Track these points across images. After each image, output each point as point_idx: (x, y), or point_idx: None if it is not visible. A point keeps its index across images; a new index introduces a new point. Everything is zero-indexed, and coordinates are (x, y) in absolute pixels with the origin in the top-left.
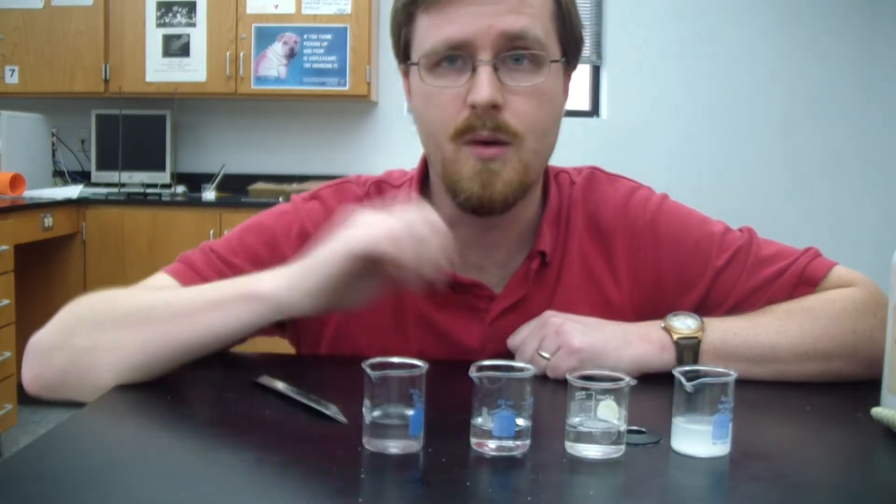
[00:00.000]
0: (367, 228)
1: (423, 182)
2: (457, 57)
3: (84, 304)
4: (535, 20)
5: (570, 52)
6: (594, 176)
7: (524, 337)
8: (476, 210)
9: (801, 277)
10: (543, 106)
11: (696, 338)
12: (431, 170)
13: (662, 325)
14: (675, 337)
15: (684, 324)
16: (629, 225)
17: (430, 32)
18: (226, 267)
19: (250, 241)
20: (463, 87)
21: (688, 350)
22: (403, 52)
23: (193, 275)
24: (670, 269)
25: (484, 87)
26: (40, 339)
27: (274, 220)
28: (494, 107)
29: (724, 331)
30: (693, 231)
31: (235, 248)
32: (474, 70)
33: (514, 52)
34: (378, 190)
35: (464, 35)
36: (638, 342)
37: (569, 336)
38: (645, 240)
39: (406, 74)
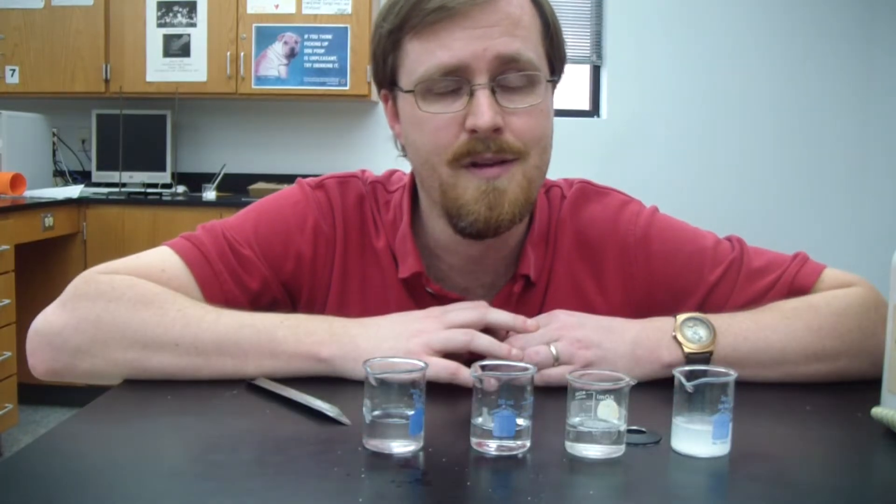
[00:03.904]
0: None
1: (412, 201)
2: (451, 82)
3: (95, 289)
4: (527, 42)
5: (557, 69)
6: (584, 191)
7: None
8: (481, 233)
9: (792, 288)
10: (542, 122)
11: (708, 352)
12: (422, 193)
13: (674, 333)
14: (687, 352)
15: (696, 335)
16: (619, 240)
17: (422, 58)
18: (235, 259)
19: (264, 230)
20: (460, 113)
21: (699, 364)
22: (390, 79)
23: (202, 259)
24: (662, 284)
25: (485, 111)
26: (48, 321)
27: (289, 210)
28: (496, 130)
29: (734, 336)
30: (685, 246)
31: (249, 238)
32: (471, 94)
33: (508, 74)
34: (374, 191)
35: (459, 59)
36: (647, 361)
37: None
38: (636, 255)
39: (387, 100)
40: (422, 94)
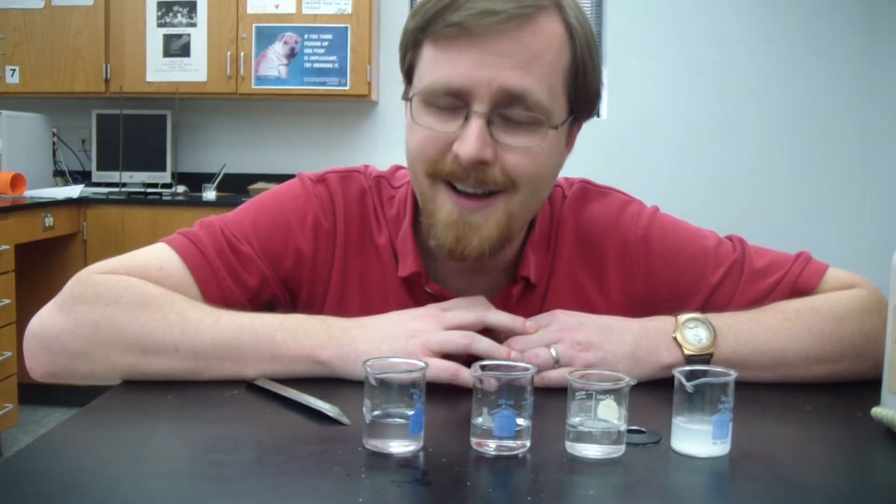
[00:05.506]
0: (435, 363)
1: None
2: (451, 101)
3: (92, 292)
4: (541, 80)
5: (582, 108)
6: (584, 190)
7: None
8: (449, 257)
9: (794, 289)
10: (538, 163)
11: (708, 354)
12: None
13: (674, 333)
14: (687, 353)
15: (697, 337)
16: (620, 240)
17: (432, 68)
18: (234, 256)
19: (263, 226)
20: (451, 134)
21: (699, 365)
22: (407, 73)
23: (200, 256)
24: (664, 285)
25: (471, 141)
26: (45, 324)
27: (289, 205)
28: (481, 162)
29: (734, 338)
30: (687, 246)
31: (248, 234)
32: (467, 119)
33: (511, 110)
34: (378, 186)
35: (462, 83)
36: (647, 362)
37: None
38: (637, 255)
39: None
40: (421, 104)
